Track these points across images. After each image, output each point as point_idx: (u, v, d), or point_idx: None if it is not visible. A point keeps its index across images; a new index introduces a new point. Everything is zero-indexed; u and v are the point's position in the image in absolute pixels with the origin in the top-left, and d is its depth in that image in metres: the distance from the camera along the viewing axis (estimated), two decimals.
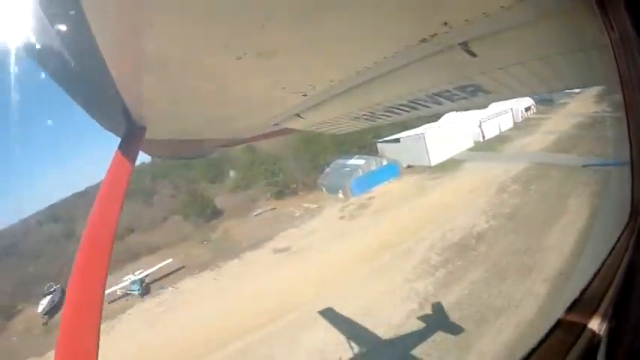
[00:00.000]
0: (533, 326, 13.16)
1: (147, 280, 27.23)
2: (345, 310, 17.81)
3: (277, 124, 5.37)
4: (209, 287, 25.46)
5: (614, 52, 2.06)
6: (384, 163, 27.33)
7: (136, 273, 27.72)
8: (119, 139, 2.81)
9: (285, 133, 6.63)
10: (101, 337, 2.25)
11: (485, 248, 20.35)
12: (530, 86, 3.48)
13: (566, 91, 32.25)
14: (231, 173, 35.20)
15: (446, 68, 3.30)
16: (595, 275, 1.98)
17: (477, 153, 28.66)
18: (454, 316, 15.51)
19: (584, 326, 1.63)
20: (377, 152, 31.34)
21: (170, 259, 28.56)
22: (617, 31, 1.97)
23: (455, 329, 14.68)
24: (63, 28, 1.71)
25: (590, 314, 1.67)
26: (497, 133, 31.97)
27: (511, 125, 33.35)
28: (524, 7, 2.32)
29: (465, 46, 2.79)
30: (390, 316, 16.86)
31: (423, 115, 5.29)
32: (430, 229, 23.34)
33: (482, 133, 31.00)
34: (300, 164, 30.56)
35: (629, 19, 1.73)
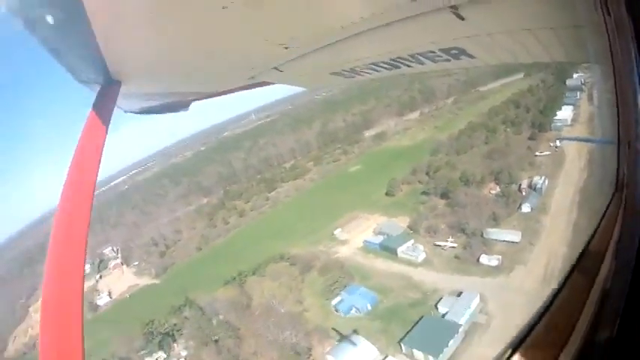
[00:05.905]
0: None
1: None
2: None
3: (253, 77, 5.16)
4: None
5: (608, 36, 2.08)
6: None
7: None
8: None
9: (261, 86, 6.41)
10: None
11: None
12: (515, 55, 3.51)
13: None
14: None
15: (432, 29, 3.25)
16: (592, 237, 2.13)
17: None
18: None
19: (593, 281, 1.77)
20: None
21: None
22: (612, 16, 1.98)
23: None
24: None
25: (596, 270, 1.81)
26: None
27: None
28: None
29: (454, 9, 2.75)
30: None
31: (403, 73, 5.26)
32: None
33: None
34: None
35: (625, 4, 1.75)
